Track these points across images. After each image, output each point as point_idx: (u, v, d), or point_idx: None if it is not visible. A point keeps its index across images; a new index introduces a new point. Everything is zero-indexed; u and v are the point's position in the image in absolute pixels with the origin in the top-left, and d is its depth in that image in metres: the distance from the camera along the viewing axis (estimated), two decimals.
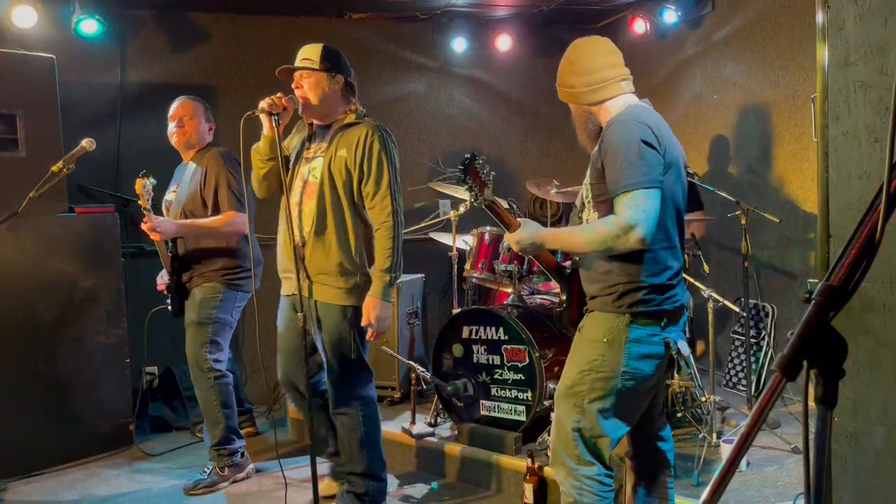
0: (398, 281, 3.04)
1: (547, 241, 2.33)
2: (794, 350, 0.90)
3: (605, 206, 2.26)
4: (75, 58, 4.63)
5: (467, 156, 2.37)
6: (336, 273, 2.97)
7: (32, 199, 3.44)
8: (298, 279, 2.83)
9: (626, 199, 2.12)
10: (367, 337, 3.01)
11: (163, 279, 3.80)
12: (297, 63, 3.00)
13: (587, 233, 2.20)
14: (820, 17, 1.69)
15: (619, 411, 2.28)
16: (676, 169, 2.28)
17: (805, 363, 0.90)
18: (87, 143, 3.55)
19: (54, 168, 3.50)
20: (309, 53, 3.00)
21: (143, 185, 3.39)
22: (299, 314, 2.78)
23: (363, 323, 2.95)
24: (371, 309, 2.93)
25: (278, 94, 2.87)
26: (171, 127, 3.70)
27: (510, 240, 2.36)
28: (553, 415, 2.40)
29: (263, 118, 2.87)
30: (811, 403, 0.92)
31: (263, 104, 2.83)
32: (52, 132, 4.01)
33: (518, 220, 2.38)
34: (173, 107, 3.73)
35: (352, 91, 3.08)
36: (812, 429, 0.93)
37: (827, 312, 0.91)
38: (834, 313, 0.92)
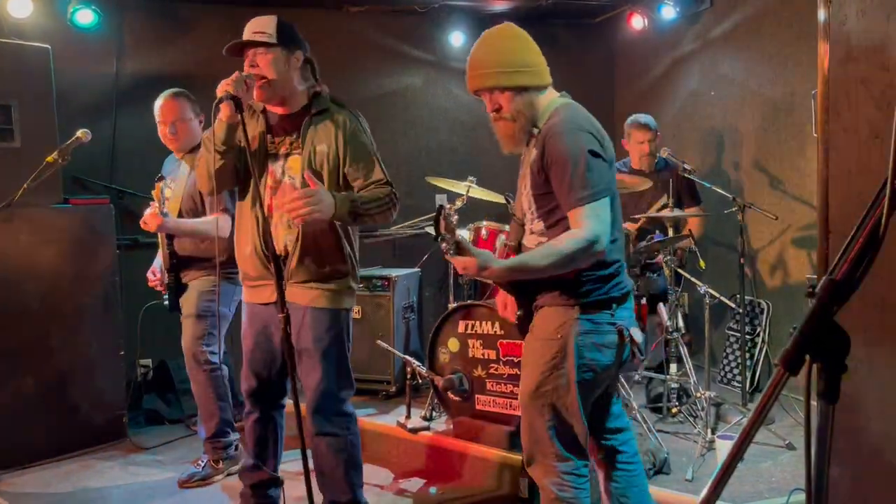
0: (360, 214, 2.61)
1: (501, 273, 2.15)
2: (797, 344, 0.90)
3: (552, 215, 2.25)
4: (71, 48, 4.60)
5: (439, 206, 2.18)
6: (328, 278, 2.73)
7: (27, 189, 3.43)
8: (281, 288, 2.43)
9: (585, 211, 2.11)
10: (288, 202, 2.47)
11: (154, 275, 3.78)
12: (248, 36, 2.61)
13: (549, 257, 2.11)
14: (822, 13, 1.69)
15: (587, 403, 2.28)
16: (612, 166, 2.28)
17: (808, 357, 0.90)
18: (82, 133, 3.54)
19: (49, 159, 3.48)
20: (262, 26, 2.62)
21: (162, 190, 3.39)
22: (280, 315, 2.41)
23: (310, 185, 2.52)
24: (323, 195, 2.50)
25: (236, 74, 2.53)
26: (163, 129, 3.62)
27: (457, 263, 2.15)
28: (523, 419, 2.37)
29: (224, 104, 2.50)
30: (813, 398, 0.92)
31: (227, 88, 2.47)
32: (47, 122, 3.98)
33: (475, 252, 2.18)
34: (158, 105, 3.62)
35: (312, 69, 2.75)
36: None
37: (830, 307, 0.91)
38: (837, 308, 0.91)
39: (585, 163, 2.12)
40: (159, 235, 3.62)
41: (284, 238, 2.72)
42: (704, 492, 0.93)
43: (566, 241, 2.10)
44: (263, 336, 2.84)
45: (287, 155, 2.70)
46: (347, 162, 2.67)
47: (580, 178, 2.11)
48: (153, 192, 3.39)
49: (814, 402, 0.93)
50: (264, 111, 2.76)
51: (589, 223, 2.09)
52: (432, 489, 3.60)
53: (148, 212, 3.39)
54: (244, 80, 2.52)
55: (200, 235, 3.57)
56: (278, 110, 2.72)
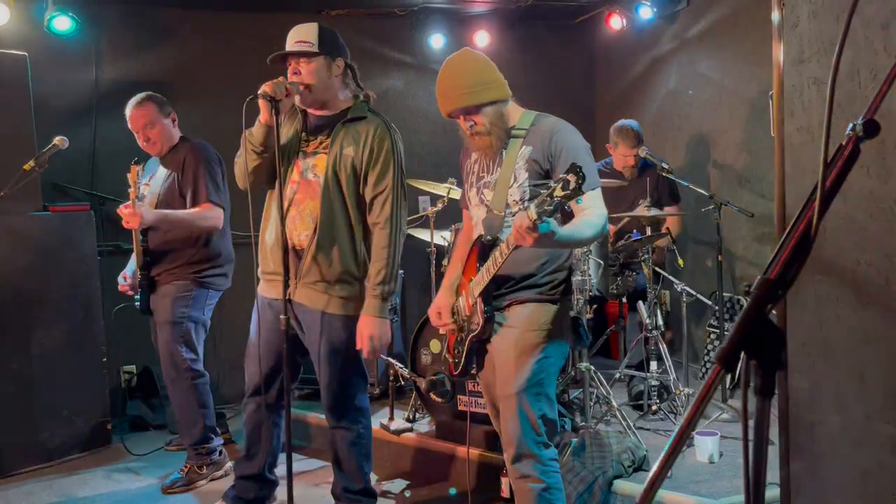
0: (394, 294, 2.83)
1: (549, 241, 2.15)
2: (733, 342, 0.93)
3: None
4: (48, 55, 4.58)
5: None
6: (339, 282, 2.80)
7: (5, 197, 3.43)
8: (286, 283, 2.62)
9: (596, 194, 2.34)
10: (364, 355, 2.82)
11: (125, 280, 3.72)
12: (291, 46, 2.73)
13: (591, 233, 2.27)
14: (776, 15, 1.72)
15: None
16: None
17: (743, 355, 0.93)
18: (59, 141, 3.53)
19: (26, 167, 3.48)
20: (304, 35, 2.73)
21: (138, 173, 3.34)
22: (282, 317, 2.60)
23: (358, 346, 2.78)
24: (363, 328, 2.75)
25: (280, 78, 2.65)
26: (137, 138, 3.61)
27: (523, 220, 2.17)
28: (509, 412, 2.43)
29: (262, 104, 2.62)
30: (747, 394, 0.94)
31: (266, 88, 2.59)
32: (25, 130, 3.97)
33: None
34: (127, 116, 3.59)
35: (353, 74, 2.87)
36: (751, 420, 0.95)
37: (764, 305, 0.94)
38: (771, 306, 0.94)
39: (589, 155, 2.39)
40: (133, 232, 3.52)
41: (301, 233, 2.80)
42: (638, 498, 0.96)
43: (596, 217, 2.28)
44: (274, 330, 2.84)
45: (314, 154, 2.82)
46: (363, 170, 2.78)
47: (592, 165, 2.38)
48: (128, 176, 3.31)
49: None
50: (304, 111, 2.90)
51: (601, 203, 2.33)
52: (407, 493, 3.61)
53: (125, 210, 3.30)
54: (285, 87, 2.64)
55: (188, 227, 3.51)
56: (317, 112, 2.86)
